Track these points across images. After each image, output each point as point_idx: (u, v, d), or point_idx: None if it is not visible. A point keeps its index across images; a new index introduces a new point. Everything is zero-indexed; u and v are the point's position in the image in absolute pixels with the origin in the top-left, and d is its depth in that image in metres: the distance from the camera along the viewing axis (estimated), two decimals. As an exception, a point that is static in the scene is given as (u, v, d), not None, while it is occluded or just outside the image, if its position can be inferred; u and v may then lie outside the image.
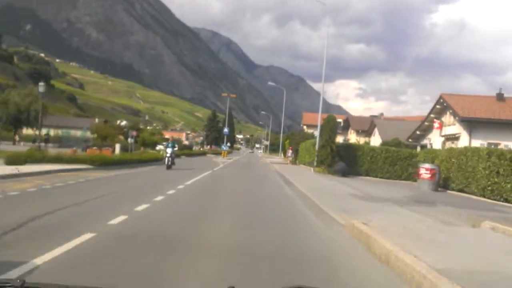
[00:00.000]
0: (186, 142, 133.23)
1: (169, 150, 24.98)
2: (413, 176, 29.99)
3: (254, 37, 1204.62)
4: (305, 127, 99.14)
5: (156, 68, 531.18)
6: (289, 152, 39.04)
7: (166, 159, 24.72)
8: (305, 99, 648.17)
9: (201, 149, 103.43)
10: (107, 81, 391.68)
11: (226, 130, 56.44)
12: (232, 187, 15.88)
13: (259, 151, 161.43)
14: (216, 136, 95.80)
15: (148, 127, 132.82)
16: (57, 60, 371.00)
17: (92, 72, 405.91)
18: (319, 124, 30.73)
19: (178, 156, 50.56)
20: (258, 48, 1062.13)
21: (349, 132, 71.65)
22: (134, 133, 43.96)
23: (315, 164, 29.61)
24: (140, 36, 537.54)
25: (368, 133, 60.54)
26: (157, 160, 31.96)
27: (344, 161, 29.45)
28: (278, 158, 66.67)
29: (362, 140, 58.37)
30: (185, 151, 56.81)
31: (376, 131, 57.16)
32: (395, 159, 29.95)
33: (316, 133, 32.30)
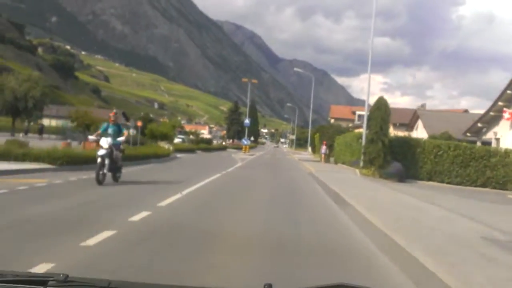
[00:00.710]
0: (208, 136, 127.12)
1: (104, 142, 11.83)
2: (492, 182, 22.78)
3: (277, 30, 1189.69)
4: (332, 120, 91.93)
5: (180, 61, 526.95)
6: (323, 148, 31.74)
7: (99, 160, 11.45)
8: (329, 93, 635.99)
9: (224, 143, 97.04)
10: (131, 73, 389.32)
11: (247, 121, 49.54)
12: (240, 216, 8.37)
13: (284, 145, 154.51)
14: (239, 129, 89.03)
15: (169, 120, 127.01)
16: (83, 53, 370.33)
17: (117, 65, 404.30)
18: (366, 110, 23.56)
19: (191, 151, 44.12)
20: (281, 41, 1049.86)
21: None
22: (139, 123, 37.39)
23: (361, 164, 22.52)
24: (164, 29, 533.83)
25: (409, 126, 52.81)
26: (159, 156, 25.40)
27: (398, 160, 22.38)
28: (307, 154, 59.59)
29: (401, 134, 50.95)
30: (202, 145, 50.24)
31: (419, 123, 49.47)
32: (468, 158, 22.68)
33: (361, 124, 25.13)
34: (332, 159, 34.62)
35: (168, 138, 41.90)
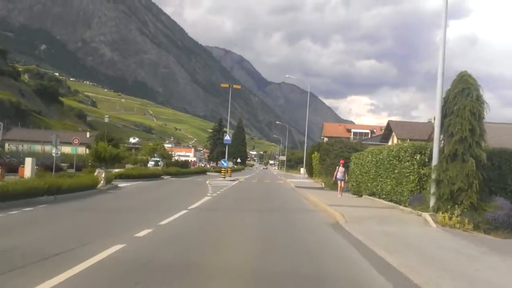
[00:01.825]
0: (193, 159, 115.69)
1: None
2: None
3: (266, 55, 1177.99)
4: (325, 139, 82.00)
5: (169, 86, 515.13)
6: (340, 171, 19.61)
7: None
8: (317, 115, 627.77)
9: (208, 166, 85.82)
10: (120, 99, 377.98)
11: (227, 138, 38.28)
12: None
13: (274, 167, 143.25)
14: (223, 150, 77.58)
15: (149, 143, 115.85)
16: (71, 79, 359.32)
17: (105, 90, 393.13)
18: (438, 95, 12.21)
19: (155, 177, 32.89)
20: (270, 65, 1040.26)
21: (391, 142, 53.37)
22: (76, 140, 26.11)
23: (431, 202, 11.38)
24: (153, 54, 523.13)
25: (429, 141, 41.90)
26: (66, 190, 14.32)
27: (494, 192, 11.46)
28: (302, 177, 48.17)
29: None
30: (172, 169, 38.83)
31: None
32: None
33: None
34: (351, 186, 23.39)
35: (120, 160, 30.66)
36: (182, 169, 40.74)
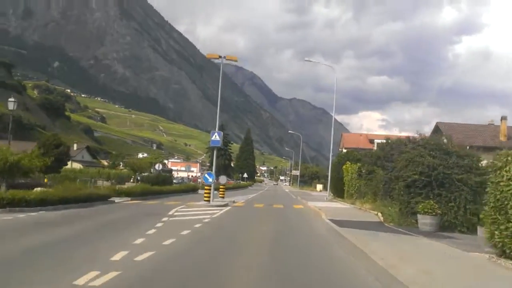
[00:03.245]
0: (197, 174, 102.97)
1: None
2: None
3: (277, 71, 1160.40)
4: (345, 151, 68.45)
5: (180, 102, 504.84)
6: None
7: None
8: (329, 131, 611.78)
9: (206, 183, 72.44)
10: (131, 115, 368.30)
11: (216, 137, 24.39)
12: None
13: (285, 183, 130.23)
14: (225, 163, 63.75)
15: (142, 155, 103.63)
16: (83, 95, 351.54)
17: (116, 106, 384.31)
18: None
19: (101, 200, 19.55)
20: (281, 81, 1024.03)
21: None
22: None
23: None
24: (165, 71, 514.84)
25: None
26: None
27: None
28: (326, 198, 34.02)
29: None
30: (136, 187, 25.45)
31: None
32: None
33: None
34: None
35: (27, 173, 17.50)
36: (154, 187, 27.09)
